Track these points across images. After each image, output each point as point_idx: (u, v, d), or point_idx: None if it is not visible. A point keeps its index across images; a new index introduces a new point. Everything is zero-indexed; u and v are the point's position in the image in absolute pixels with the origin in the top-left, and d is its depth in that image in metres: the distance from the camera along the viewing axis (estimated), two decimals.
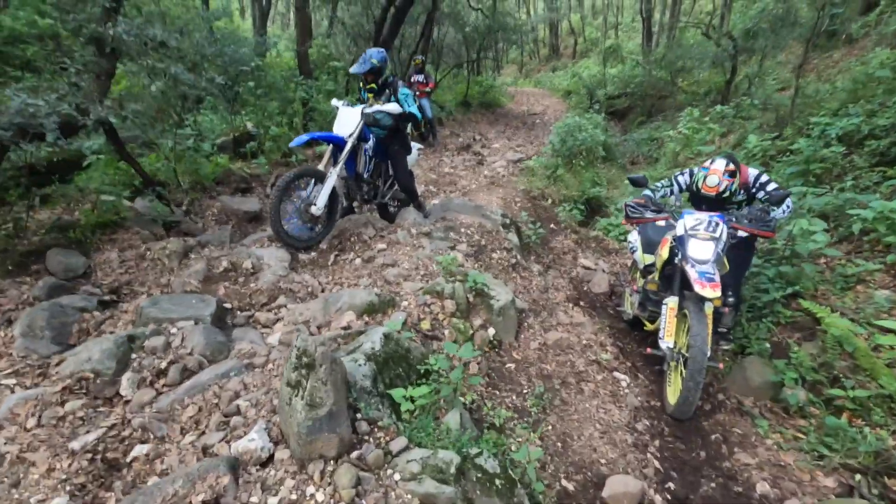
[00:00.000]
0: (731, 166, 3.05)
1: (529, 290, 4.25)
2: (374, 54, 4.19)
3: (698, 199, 3.31)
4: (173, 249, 3.47)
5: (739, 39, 11.39)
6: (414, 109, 4.28)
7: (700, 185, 3.11)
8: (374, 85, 4.30)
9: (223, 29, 10.65)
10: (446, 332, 2.88)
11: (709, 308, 2.81)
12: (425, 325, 2.85)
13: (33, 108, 2.98)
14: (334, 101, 4.31)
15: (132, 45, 3.80)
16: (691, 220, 3.00)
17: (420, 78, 9.62)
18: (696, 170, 3.32)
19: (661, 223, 3.42)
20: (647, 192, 3.48)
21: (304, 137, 3.92)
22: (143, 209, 4.20)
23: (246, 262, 3.55)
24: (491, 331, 3.17)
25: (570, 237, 5.90)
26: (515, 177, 7.55)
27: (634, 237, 3.94)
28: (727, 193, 3.05)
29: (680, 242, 2.98)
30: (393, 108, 4.10)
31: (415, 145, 4.95)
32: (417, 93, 9.24)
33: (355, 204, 4.87)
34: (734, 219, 2.99)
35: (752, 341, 3.53)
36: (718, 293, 2.72)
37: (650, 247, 3.67)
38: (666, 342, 2.94)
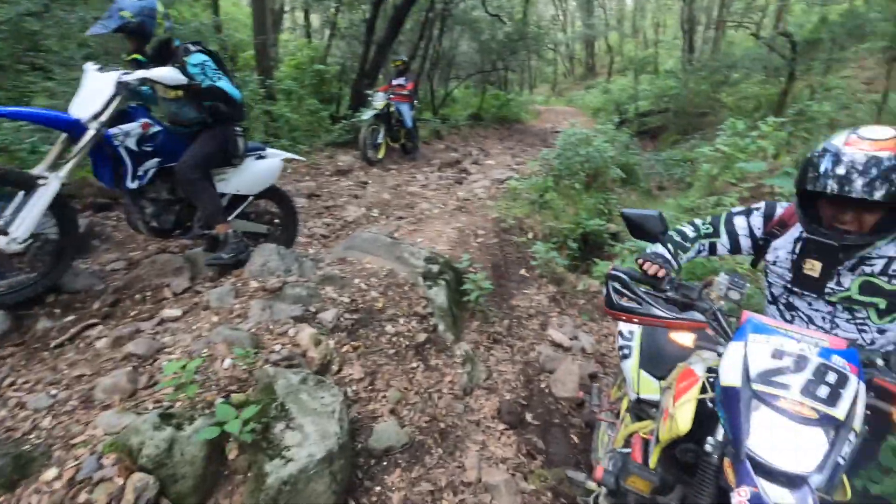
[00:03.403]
0: None
1: (433, 394, 2.50)
2: (126, 4, 2.52)
3: (810, 246, 1.41)
4: None
5: (799, 44, 9.39)
6: (224, 85, 2.65)
7: (823, 173, 1.23)
8: (138, 56, 2.66)
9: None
10: None
11: None
12: None
13: None
14: (88, 65, 2.68)
15: None
16: (764, 346, 1.10)
17: (401, 81, 8.11)
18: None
19: (685, 337, 1.49)
20: (660, 249, 1.59)
21: None
22: None
23: None
24: None
25: (545, 290, 4.10)
26: (494, 200, 5.82)
27: (631, 332, 1.96)
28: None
29: (728, 402, 1.08)
30: (166, 73, 2.46)
31: (276, 153, 3.31)
32: (392, 96, 7.71)
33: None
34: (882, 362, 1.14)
35: None
36: None
37: (655, 362, 1.75)
38: None
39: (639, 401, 1.74)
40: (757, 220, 1.60)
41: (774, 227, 1.55)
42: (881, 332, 1.39)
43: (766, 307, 1.65)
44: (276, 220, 3.49)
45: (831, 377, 1.01)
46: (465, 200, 5.91)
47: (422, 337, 2.80)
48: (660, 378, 1.69)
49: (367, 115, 7.44)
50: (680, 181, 9.23)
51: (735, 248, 1.66)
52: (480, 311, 3.45)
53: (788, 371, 1.03)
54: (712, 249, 1.68)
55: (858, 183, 1.17)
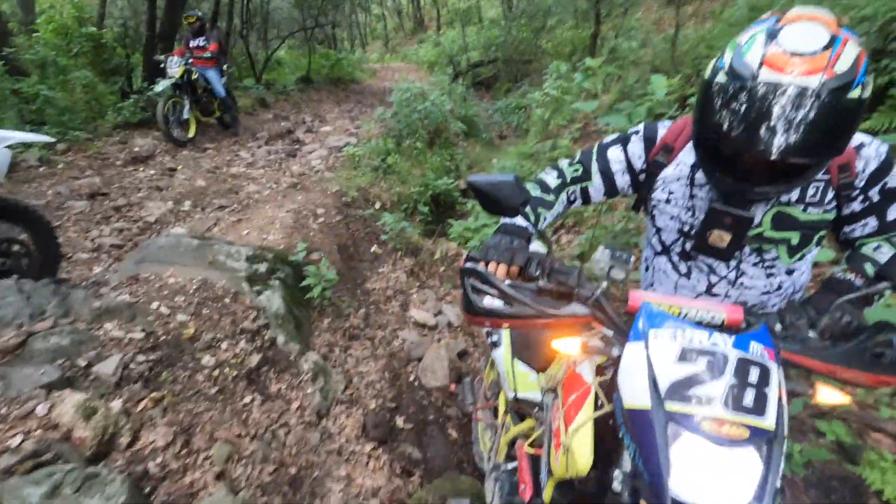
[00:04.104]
0: (853, 48, 0.85)
1: (277, 432, 2.00)
2: None
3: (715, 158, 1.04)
4: None
5: None
6: None
7: (730, 123, 0.90)
8: None
9: None
10: None
11: None
12: None
13: None
14: None
15: None
16: (670, 345, 0.82)
17: (200, 41, 6.79)
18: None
19: (571, 345, 0.98)
20: (520, 221, 1.19)
21: None
22: None
23: None
24: None
25: (401, 265, 3.75)
26: (333, 171, 5.22)
27: None
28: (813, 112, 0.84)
29: (638, 429, 0.79)
30: None
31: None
32: (192, 60, 6.42)
33: None
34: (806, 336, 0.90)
35: None
36: None
37: (531, 350, 1.48)
38: None
39: (517, 402, 1.47)
40: (636, 148, 1.24)
41: (658, 155, 1.21)
42: (789, 272, 1.20)
43: (650, 259, 1.35)
44: (15, 246, 2.50)
45: (753, 375, 0.78)
46: (300, 176, 5.20)
47: (255, 359, 2.24)
48: (539, 370, 1.43)
49: (161, 85, 6.10)
50: (518, 128, 9.51)
51: (611, 190, 1.29)
52: (330, 306, 2.97)
53: (705, 378, 0.78)
54: (585, 197, 1.31)
55: (784, 138, 0.85)
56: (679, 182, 1.18)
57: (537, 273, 1.03)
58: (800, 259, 1.17)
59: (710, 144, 1.01)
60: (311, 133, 7.55)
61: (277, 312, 2.55)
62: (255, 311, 2.49)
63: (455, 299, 3.47)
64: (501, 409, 1.63)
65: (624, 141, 1.25)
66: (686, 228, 1.20)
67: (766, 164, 0.98)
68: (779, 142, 0.85)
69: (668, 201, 1.21)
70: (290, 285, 2.83)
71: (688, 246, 1.23)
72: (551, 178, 1.30)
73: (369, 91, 14.95)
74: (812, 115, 0.83)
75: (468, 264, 0.98)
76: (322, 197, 4.35)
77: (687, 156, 1.18)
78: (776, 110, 0.85)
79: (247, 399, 2.06)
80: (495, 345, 1.64)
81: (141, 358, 1.99)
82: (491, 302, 0.95)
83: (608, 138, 1.28)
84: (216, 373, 2.09)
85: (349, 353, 2.71)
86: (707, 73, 0.97)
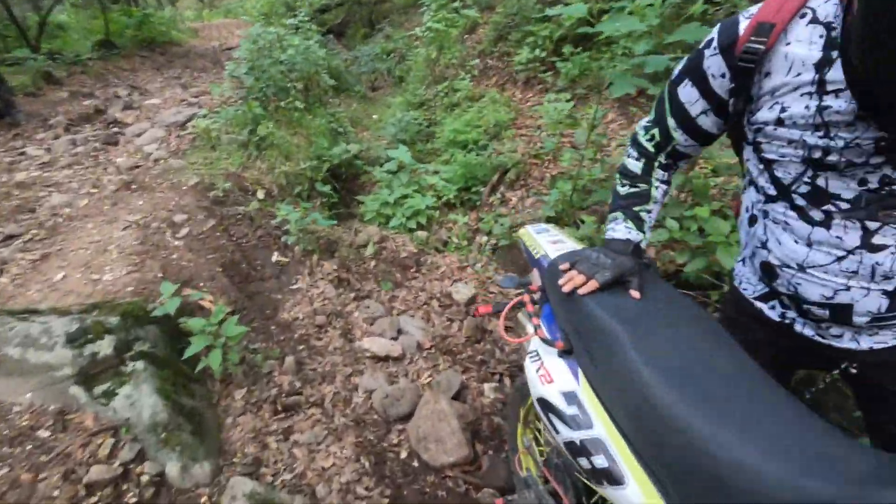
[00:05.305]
0: None
1: None
2: None
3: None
4: None
5: None
6: None
7: None
8: None
9: None
10: None
11: None
12: None
13: None
14: None
15: None
16: None
17: None
18: None
19: None
20: (619, 232, 0.98)
21: None
22: None
23: None
24: None
25: (321, 273, 2.71)
26: (183, 157, 3.79)
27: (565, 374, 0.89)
28: None
29: None
30: None
31: None
32: None
33: None
34: None
35: None
36: None
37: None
38: None
39: None
40: (714, 65, 0.83)
41: (749, 45, 0.76)
42: None
43: (756, 208, 0.89)
44: None
45: None
46: (132, 170, 3.69)
47: None
48: None
49: None
50: (391, 76, 8.43)
51: (705, 140, 0.93)
52: (239, 365, 1.90)
53: None
54: (677, 159, 1.00)
55: None
56: (797, 92, 0.75)
57: None
58: None
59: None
60: (133, 110, 5.68)
61: (155, 420, 1.45)
62: (109, 433, 1.37)
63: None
64: None
65: (694, 67, 0.86)
66: (818, 155, 0.75)
67: None
68: None
69: (780, 121, 0.77)
70: (163, 358, 1.70)
71: (821, 181, 0.76)
72: (633, 163, 1.02)
73: (195, 53, 12.42)
74: None
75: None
76: (176, 196, 3.03)
77: (804, 50, 0.73)
78: None
79: None
80: (609, 479, 0.81)
81: None
82: None
83: (676, 70, 0.90)
84: None
85: (293, 439, 1.72)
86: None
